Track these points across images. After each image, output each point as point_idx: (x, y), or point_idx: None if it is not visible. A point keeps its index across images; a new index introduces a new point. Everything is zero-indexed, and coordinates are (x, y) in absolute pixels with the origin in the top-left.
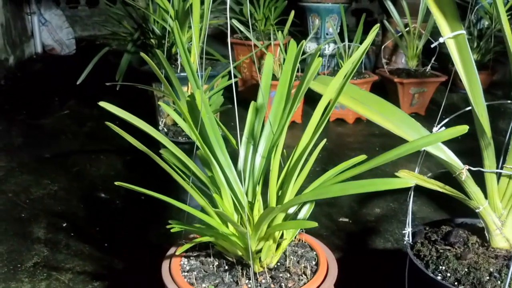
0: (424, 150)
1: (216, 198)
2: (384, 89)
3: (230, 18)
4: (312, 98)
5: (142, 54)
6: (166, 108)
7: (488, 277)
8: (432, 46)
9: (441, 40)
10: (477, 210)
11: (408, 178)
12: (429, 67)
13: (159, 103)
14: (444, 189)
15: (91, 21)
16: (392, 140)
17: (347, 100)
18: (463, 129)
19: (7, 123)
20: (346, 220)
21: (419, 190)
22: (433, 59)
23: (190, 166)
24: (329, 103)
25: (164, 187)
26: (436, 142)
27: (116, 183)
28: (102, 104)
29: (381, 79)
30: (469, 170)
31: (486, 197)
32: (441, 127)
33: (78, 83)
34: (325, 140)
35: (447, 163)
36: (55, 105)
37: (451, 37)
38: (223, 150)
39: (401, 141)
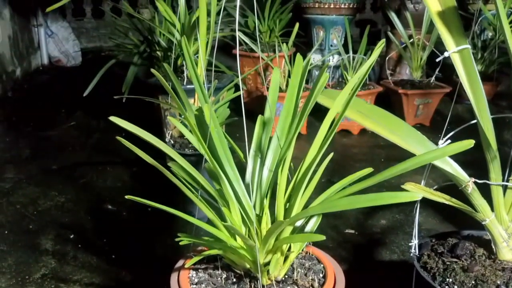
0: (430, 163)
1: (224, 211)
2: (389, 100)
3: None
4: (317, 109)
5: (153, 70)
6: (174, 121)
7: None
8: (437, 60)
9: (446, 54)
10: (483, 223)
11: (414, 192)
12: (433, 78)
13: (168, 117)
14: (451, 202)
15: (97, 33)
16: (397, 151)
17: (353, 114)
18: (468, 143)
19: (14, 134)
20: (353, 231)
21: (425, 201)
22: (438, 70)
23: (199, 179)
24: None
25: (170, 198)
26: (442, 157)
27: (126, 196)
28: (113, 119)
29: (385, 90)
30: (475, 182)
31: (492, 209)
32: (446, 139)
33: (84, 95)
34: (332, 154)
35: (453, 176)
36: (62, 117)
37: (456, 51)
38: (231, 163)
39: (406, 152)
